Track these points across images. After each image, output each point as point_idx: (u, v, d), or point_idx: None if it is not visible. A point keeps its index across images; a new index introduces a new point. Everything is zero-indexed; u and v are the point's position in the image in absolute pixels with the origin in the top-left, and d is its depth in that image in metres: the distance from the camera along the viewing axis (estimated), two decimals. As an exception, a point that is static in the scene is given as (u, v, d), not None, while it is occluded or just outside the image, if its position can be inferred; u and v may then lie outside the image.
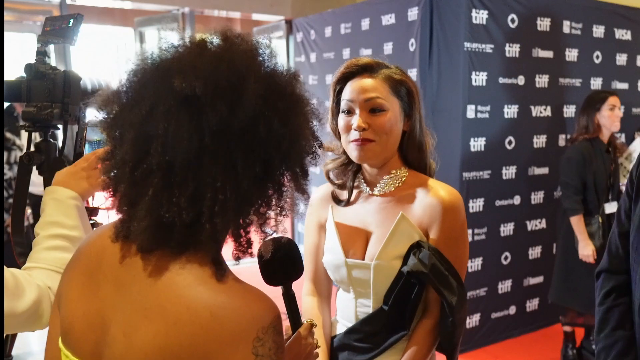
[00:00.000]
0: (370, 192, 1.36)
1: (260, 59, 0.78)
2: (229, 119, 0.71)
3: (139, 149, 0.73)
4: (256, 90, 0.73)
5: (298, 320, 1.04)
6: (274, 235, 0.85)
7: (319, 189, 1.47)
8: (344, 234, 1.35)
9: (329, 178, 1.42)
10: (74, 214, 1.14)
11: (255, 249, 0.82)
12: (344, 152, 1.35)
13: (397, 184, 1.33)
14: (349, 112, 1.29)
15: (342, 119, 1.30)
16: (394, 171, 1.33)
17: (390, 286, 1.28)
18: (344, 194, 1.40)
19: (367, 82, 1.27)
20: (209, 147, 0.71)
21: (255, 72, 0.75)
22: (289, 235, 5.14)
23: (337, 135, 1.35)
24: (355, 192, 1.39)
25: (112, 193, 0.78)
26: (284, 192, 0.81)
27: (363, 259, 1.32)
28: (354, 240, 1.34)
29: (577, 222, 3.01)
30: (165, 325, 0.71)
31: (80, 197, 1.17)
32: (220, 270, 0.74)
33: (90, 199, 1.54)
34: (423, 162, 1.36)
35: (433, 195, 1.28)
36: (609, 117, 3.04)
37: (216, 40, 0.78)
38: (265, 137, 0.73)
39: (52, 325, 0.89)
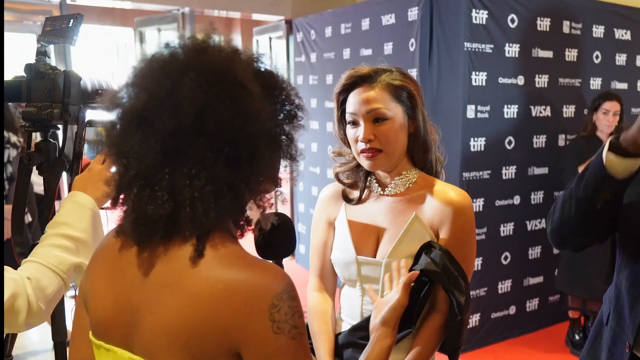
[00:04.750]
0: (381, 192, 1.39)
1: (196, 51, 0.81)
2: (176, 121, 0.76)
3: (119, 164, 0.82)
4: (190, 86, 0.77)
5: None
6: (272, 210, 0.90)
7: (329, 187, 1.50)
8: (356, 231, 1.38)
9: (338, 179, 1.45)
10: (87, 218, 1.16)
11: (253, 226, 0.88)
12: (355, 158, 1.38)
13: (407, 185, 1.36)
14: (354, 123, 1.33)
15: (349, 129, 1.34)
16: (405, 172, 1.37)
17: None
18: (354, 193, 1.43)
19: (367, 93, 1.30)
20: (172, 151, 0.78)
21: (188, 68, 0.78)
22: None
23: (347, 143, 1.39)
24: (366, 191, 1.42)
25: (114, 202, 0.86)
26: (270, 166, 0.85)
27: (374, 257, 1.35)
28: (366, 238, 1.37)
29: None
30: (186, 299, 0.75)
31: (96, 203, 1.19)
32: (234, 247, 0.80)
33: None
34: (429, 161, 1.40)
35: (444, 197, 1.32)
36: (601, 120, 3.30)
37: (159, 49, 0.83)
38: (218, 124, 0.77)
39: (78, 326, 0.94)
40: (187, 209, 0.77)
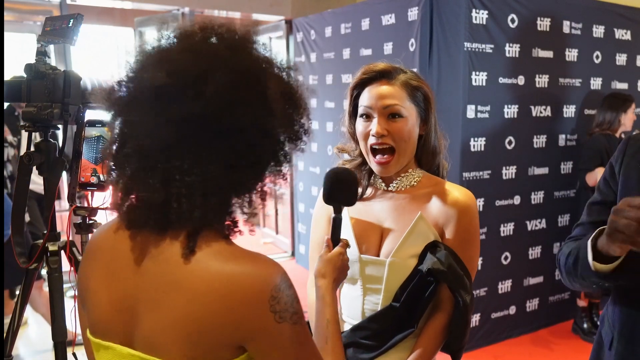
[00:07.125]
0: (385, 187, 1.38)
1: (234, 49, 0.80)
2: (193, 108, 0.75)
3: (121, 135, 0.81)
4: (221, 81, 0.76)
5: (339, 239, 1.24)
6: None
7: None
8: (358, 229, 1.37)
9: None
10: None
11: (242, 229, 0.87)
12: (360, 155, 1.38)
13: (412, 183, 1.36)
14: (367, 117, 1.31)
15: (360, 124, 1.33)
16: (410, 170, 1.37)
17: (403, 284, 1.30)
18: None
19: (385, 88, 1.29)
20: (177, 135, 0.76)
21: (223, 61, 0.78)
22: (288, 236, 5.14)
23: (354, 139, 1.37)
24: (369, 189, 1.41)
25: (109, 176, 0.85)
26: (262, 177, 0.85)
27: (377, 255, 1.34)
28: (368, 236, 1.36)
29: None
30: (184, 298, 0.76)
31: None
32: (225, 243, 0.80)
33: (90, 198, 1.53)
34: (435, 165, 1.40)
35: (449, 197, 1.31)
36: (632, 120, 3.47)
37: (197, 32, 0.82)
38: (231, 127, 0.77)
39: (82, 324, 0.96)
40: (174, 203, 0.77)
